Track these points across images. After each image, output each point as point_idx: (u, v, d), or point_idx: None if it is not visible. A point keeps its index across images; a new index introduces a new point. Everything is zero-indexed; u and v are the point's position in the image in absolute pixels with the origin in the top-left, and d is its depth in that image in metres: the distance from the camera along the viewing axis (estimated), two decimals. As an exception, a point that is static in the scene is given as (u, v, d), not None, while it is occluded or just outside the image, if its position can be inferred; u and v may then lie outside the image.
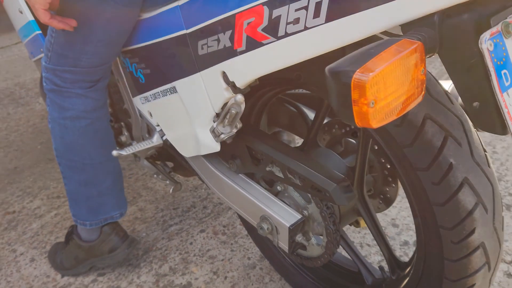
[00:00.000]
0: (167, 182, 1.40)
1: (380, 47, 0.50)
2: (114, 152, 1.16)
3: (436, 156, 0.73)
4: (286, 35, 0.73)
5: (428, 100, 0.74)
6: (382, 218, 1.50)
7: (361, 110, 0.48)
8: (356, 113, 0.48)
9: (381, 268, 1.06)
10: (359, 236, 1.45)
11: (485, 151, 0.78)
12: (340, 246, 1.05)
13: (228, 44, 0.84)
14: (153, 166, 1.41)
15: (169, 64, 1.02)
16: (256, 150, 0.98)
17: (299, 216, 0.95)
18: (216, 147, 0.99)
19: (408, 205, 0.88)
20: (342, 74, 0.48)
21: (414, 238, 1.42)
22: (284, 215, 0.95)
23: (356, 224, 1.12)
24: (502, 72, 0.55)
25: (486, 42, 0.53)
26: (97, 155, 1.21)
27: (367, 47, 0.51)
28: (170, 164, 1.45)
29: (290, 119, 1.21)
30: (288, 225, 0.93)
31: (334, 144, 1.10)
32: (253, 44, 0.79)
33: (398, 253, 1.37)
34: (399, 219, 1.51)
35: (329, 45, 0.69)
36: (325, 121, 1.10)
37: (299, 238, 0.95)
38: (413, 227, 1.45)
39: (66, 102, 1.15)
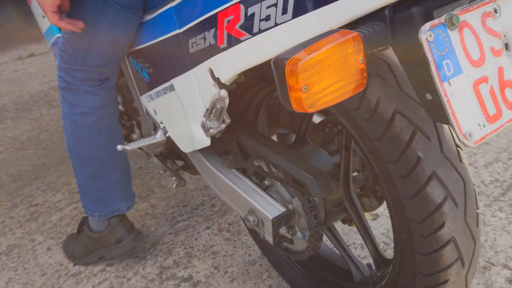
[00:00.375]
0: (173, 178, 1.46)
1: (319, 37, 0.53)
2: (119, 147, 1.23)
3: (404, 149, 0.75)
4: (260, 31, 0.77)
5: (398, 95, 0.76)
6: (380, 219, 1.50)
7: (296, 95, 0.51)
8: (292, 98, 0.51)
9: (369, 265, 1.07)
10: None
11: (457, 146, 0.79)
12: (330, 243, 1.07)
13: (213, 41, 0.88)
14: (162, 163, 1.47)
15: (167, 63, 1.08)
16: (244, 145, 1.02)
17: (283, 210, 0.97)
18: (207, 142, 1.04)
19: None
20: (279, 62, 0.51)
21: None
22: (269, 208, 0.98)
23: (350, 222, 1.14)
24: (444, 62, 0.56)
25: (425, 33, 0.54)
26: (104, 150, 1.29)
27: (312, 38, 0.54)
28: (180, 162, 1.51)
29: (289, 118, 1.24)
30: (271, 217, 0.96)
31: (328, 142, 1.12)
32: (232, 41, 0.83)
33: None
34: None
35: (297, 40, 0.72)
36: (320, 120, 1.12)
37: (283, 231, 0.98)
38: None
39: (76, 99, 1.23)
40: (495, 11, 0.61)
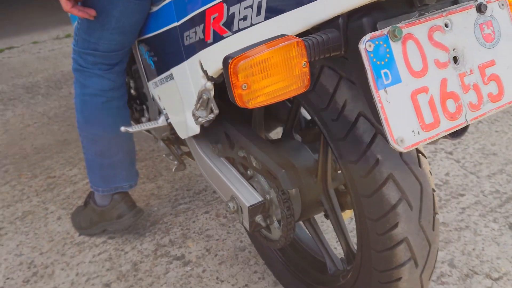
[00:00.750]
0: (175, 162, 1.54)
1: (266, 40, 0.58)
2: (122, 128, 1.31)
3: (365, 151, 0.79)
4: (239, 30, 0.83)
5: (364, 99, 0.80)
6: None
7: (237, 92, 0.56)
8: (235, 94, 0.57)
9: (342, 260, 1.12)
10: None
11: (419, 152, 0.82)
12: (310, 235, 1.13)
13: (202, 36, 0.95)
14: (167, 147, 1.55)
15: (168, 53, 1.15)
16: (230, 136, 1.08)
17: (260, 199, 1.03)
18: (197, 130, 1.10)
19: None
20: (225, 61, 0.57)
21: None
22: (247, 197, 1.04)
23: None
24: (382, 71, 0.60)
25: (364, 43, 0.58)
26: (110, 130, 1.38)
27: (261, 41, 0.59)
28: (186, 148, 1.59)
29: (286, 114, 1.29)
30: (248, 205, 1.02)
31: (316, 139, 1.17)
32: (217, 37, 0.89)
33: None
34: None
35: (298, 27, 0.76)
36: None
37: (258, 219, 1.04)
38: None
39: (87, 81, 1.33)
40: (446, 25, 0.64)
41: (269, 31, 0.76)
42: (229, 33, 0.85)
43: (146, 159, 2.05)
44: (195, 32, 0.97)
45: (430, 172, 0.84)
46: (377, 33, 0.59)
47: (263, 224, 1.04)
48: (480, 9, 0.66)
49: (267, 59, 0.56)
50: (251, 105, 0.58)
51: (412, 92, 0.61)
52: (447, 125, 0.64)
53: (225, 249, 1.48)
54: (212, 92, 0.98)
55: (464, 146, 1.94)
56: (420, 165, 0.81)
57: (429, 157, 1.88)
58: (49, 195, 1.86)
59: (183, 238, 1.55)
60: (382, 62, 0.59)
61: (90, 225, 1.55)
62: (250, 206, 1.01)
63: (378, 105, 0.59)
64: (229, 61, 0.56)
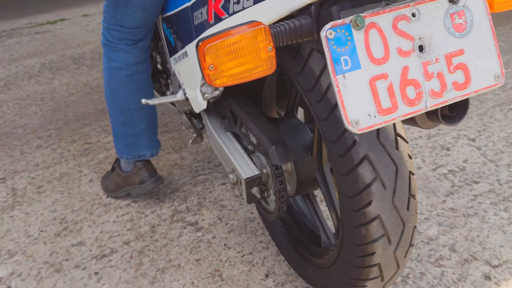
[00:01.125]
0: (194, 135, 1.63)
1: (235, 26, 0.64)
2: (143, 100, 1.41)
3: (343, 132, 0.84)
4: (234, 13, 0.89)
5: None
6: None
7: (205, 72, 0.63)
8: (204, 74, 0.63)
9: (334, 234, 1.17)
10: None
11: (398, 135, 0.85)
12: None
13: (206, 17, 1.01)
14: (189, 120, 1.65)
15: (183, 31, 1.23)
16: (234, 112, 1.15)
17: (257, 172, 1.10)
18: (204, 105, 1.18)
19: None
20: (197, 43, 0.63)
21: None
22: (245, 170, 1.11)
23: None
24: (342, 57, 0.64)
25: (325, 31, 0.63)
26: (134, 101, 1.49)
27: (232, 26, 0.65)
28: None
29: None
30: (244, 177, 1.09)
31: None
32: (217, 18, 0.96)
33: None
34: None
35: (277, 14, 0.82)
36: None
37: (254, 191, 1.11)
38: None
39: (113, 55, 1.43)
40: (413, 15, 0.67)
41: (256, 15, 0.81)
42: (226, 15, 0.91)
43: (174, 131, 2.17)
44: (201, 13, 1.04)
45: (409, 155, 0.87)
46: (339, 21, 0.63)
47: (258, 196, 1.11)
48: (452, -1, 0.68)
49: (233, 43, 0.62)
50: (217, 84, 0.64)
51: (371, 78, 0.65)
52: (405, 111, 0.67)
53: (236, 219, 1.57)
54: (214, 70, 1.05)
55: (488, 134, 1.91)
56: (397, 148, 0.85)
57: (450, 143, 1.87)
58: (84, 159, 2.02)
59: (198, 206, 1.65)
60: (343, 49, 0.64)
61: (116, 188, 1.69)
62: (247, 178, 1.09)
63: (335, 89, 0.64)
64: (199, 43, 0.62)
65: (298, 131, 1.12)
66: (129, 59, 1.43)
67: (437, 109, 0.83)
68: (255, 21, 0.65)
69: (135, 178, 1.62)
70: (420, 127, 0.87)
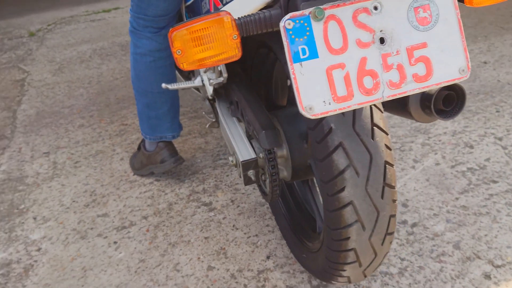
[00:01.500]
0: (213, 120, 1.71)
1: (204, 15, 0.70)
2: (163, 85, 1.51)
3: (321, 119, 0.88)
4: (226, 3, 0.95)
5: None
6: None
7: (175, 56, 0.69)
8: (175, 59, 0.70)
9: (327, 221, 1.21)
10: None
11: (376, 126, 0.88)
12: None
13: (208, 6, 1.08)
14: (210, 105, 1.73)
15: (196, 20, 1.31)
16: (236, 98, 1.21)
17: (253, 156, 1.16)
18: (210, 91, 1.25)
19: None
20: (169, 31, 0.70)
21: (412, 219, 1.47)
22: (243, 153, 1.18)
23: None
24: (300, 47, 0.67)
25: (284, 22, 0.67)
26: (156, 86, 1.59)
27: (202, 15, 0.71)
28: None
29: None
30: (241, 159, 1.15)
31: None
32: (215, 8, 1.02)
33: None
34: (412, 201, 1.55)
35: (242, 13, 0.88)
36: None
37: (250, 173, 1.17)
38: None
39: (138, 42, 1.54)
40: (375, 8, 0.69)
41: (241, 5, 0.87)
42: (221, 5, 0.98)
43: (203, 117, 2.26)
44: (206, 3, 1.11)
45: (387, 146, 0.90)
46: (297, 13, 0.67)
47: (253, 178, 1.17)
48: (418, -7, 0.70)
49: (198, 30, 0.68)
50: (185, 67, 0.71)
51: (328, 67, 0.69)
52: (361, 99, 0.70)
53: (247, 202, 1.64)
54: (215, 58, 1.12)
55: (518, 134, 1.84)
56: (373, 137, 0.87)
57: (475, 140, 1.82)
58: (118, 139, 2.17)
59: (214, 188, 1.74)
60: (301, 39, 0.68)
61: (141, 166, 1.81)
62: (243, 161, 1.15)
63: (292, 76, 0.68)
64: (170, 30, 0.69)
65: (295, 119, 1.17)
66: (153, 45, 1.53)
67: (431, 103, 0.84)
68: (224, 11, 0.71)
69: (157, 157, 1.73)
70: (417, 120, 0.89)
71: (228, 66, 1.20)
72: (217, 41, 0.69)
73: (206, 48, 0.69)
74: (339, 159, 0.87)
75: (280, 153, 1.15)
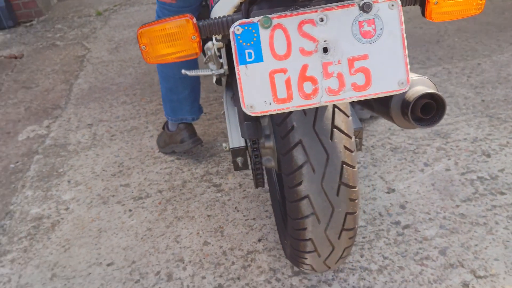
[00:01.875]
0: (231, 107, 1.82)
1: (171, 16, 0.79)
2: (182, 71, 1.62)
3: (285, 117, 0.95)
4: (215, 3, 1.04)
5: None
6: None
7: (141, 51, 0.80)
8: (141, 53, 0.80)
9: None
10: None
11: (336, 128, 0.94)
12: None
13: (210, 3, 1.17)
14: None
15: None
16: (235, 88, 1.30)
17: (242, 144, 1.25)
18: (213, 80, 1.35)
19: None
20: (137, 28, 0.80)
21: (405, 221, 1.49)
22: (234, 140, 1.27)
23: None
24: (246, 51, 0.75)
25: (233, 27, 0.74)
26: (178, 72, 1.71)
27: (168, 17, 0.81)
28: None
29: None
30: (230, 146, 1.25)
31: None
32: (211, 6, 1.11)
33: (381, 226, 1.49)
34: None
35: (229, 9, 0.96)
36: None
37: (239, 160, 1.27)
38: (410, 212, 1.51)
39: (164, 30, 1.67)
40: (321, 20, 0.75)
41: (222, 7, 0.96)
42: (213, 4, 1.07)
43: (232, 102, 2.37)
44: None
45: (347, 148, 0.95)
46: (246, 20, 0.75)
47: (240, 165, 1.26)
48: (363, 8, 0.75)
49: (161, 30, 0.78)
50: (150, 61, 0.81)
51: (271, 71, 0.76)
52: (300, 102, 0.77)
53: (253, 188, 1.74)
54: (213, 50, 1.22)
55: (542, 147, 1.77)
56: (331, 138, 0.93)
57: (494, 149, 1.78)
58: (152, 118, 2.34)
59: (227, 171, 1.85)
60: (248, 44, 0.75)
61: (164, 145, 1.97)
62: (232, 148, 1.25)
63: (237, 77, 0.76)
64: (138, 28, 0.80)
65: (286, 113, 1.24)
66: (177, 34, 1.65)
67: (408, 111, 0.89)
68: (188, 14, 0.80)
69: (177, 137, 1.87)
70: (399, 126, 0.94)
71: (230, 58, 1.29)
72: (178, 40, 0.79)
73: (169, 45, 0.79)
74: (298, 155, 0.94)
75: (267, 144, 1.23)
